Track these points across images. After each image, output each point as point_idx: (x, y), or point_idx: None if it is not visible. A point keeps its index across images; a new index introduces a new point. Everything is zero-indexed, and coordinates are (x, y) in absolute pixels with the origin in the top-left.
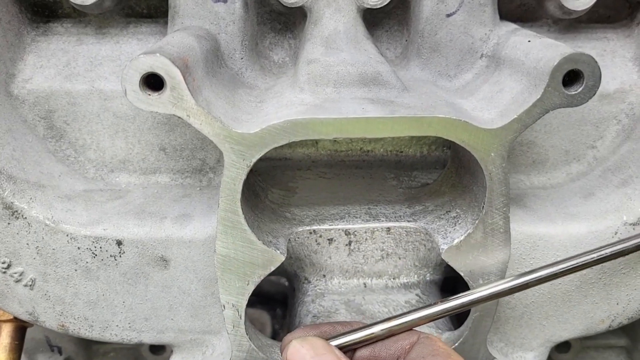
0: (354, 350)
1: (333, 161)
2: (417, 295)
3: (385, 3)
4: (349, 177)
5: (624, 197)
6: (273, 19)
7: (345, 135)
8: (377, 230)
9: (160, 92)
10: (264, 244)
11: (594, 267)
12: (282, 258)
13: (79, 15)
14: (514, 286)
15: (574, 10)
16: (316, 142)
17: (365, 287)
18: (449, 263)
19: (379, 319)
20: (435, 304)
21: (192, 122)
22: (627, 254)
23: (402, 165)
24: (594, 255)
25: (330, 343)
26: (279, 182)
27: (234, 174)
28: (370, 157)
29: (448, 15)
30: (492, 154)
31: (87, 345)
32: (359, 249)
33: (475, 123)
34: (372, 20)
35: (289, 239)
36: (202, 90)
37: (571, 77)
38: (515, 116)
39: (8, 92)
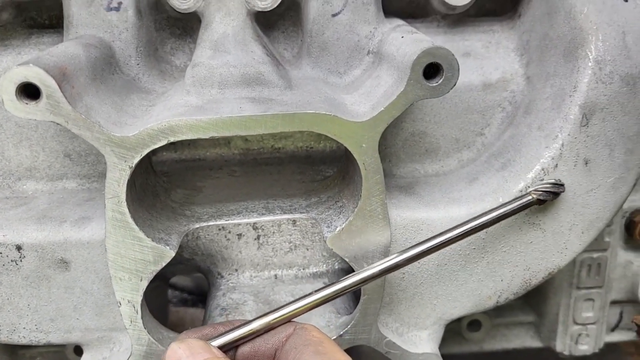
0: (237, 347)
1: (245, 160)
2: (324, 283)
3: (275, 5)
4: (257, 174)
5: (502, 180)
6: (172, 24)
7: (222, 134)
8: (284, 223)
9: (37, 100)
10: (153, 240)
11: (476, 246)
12: (172, 254)
13: None
14: (383, 270)
15: (456, 6)
16: (228, 141)
17: (276, 278)
18: (334, 250)
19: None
20: (310, 294)
21: (71, 128)
22: (488, 227)
23: (312, 160)
24: (458, 231)
25: (211, 343)
26: (188, 182)
27: (117, 176)
28: (281, 154)
29: (333, 15)
30: (364, 145)
31: (12, 350)
32: (267, 242)
33: (346, 117)
34: (266, 22)
35: (199, 236)
36: (84, 97)
37: (433, 70)
38: (382, 109)
39: None
